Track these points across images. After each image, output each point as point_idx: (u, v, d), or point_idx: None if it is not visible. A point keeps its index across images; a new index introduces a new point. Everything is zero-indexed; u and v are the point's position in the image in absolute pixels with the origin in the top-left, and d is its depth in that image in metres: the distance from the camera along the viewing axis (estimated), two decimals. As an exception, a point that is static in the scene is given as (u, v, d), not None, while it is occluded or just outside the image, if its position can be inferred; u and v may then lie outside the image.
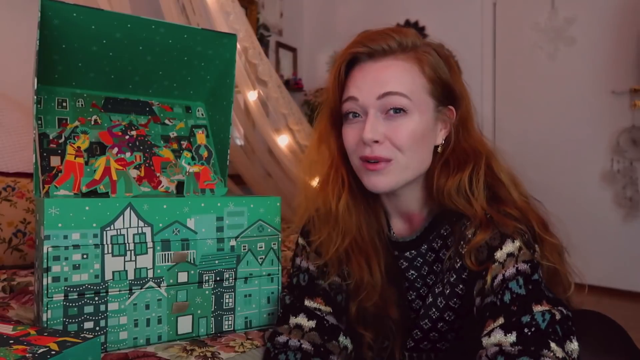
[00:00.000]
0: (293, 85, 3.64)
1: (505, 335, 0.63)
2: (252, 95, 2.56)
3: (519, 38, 3.12)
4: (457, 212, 0.78)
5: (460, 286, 0.77)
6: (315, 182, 0.87)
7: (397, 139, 0.75)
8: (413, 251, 0.85)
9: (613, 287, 2.72)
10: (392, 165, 0.76)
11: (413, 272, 0.86)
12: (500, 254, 0.70)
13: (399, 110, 0.75)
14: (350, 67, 0.80)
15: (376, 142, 0.75)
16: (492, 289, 0.69)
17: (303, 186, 0.90)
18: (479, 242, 0.72)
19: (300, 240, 0.90)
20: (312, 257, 0.86)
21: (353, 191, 0.84)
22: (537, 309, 0.64)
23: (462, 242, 0.75)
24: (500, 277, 0.69)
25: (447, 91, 0.79)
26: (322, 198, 0.84)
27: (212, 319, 0.86)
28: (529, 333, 0.62)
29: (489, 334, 0.65)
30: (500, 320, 0.65)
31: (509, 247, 0.71)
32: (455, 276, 0.78)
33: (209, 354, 0.77)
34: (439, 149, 0.81)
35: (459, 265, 0.77)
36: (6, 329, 0.64)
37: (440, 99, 0.79)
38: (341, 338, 0.80)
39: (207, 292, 0.85)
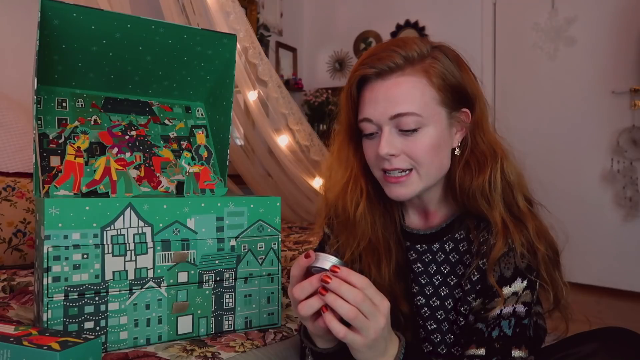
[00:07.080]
0: (293, 85, 3.63)
1: None
2: (252, 95, 2.56)
3: (519, 38, 3.11)
4: (477, 216, 0.81)
5: (473, 295, 0.81)
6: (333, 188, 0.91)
7: (413, 153, 0.77)
8: (424, 245, 0.87)
9: (613, 287, 2.72)
10: (412, 177, 0.79)
11: (419, 265, 0.88)
12: (507, 291, 0.77)
13: (412, 130, 0.77)
14: (361, 85, 0.80)
15: (392, 155, 0.78)
16: (487, 318, 0.76)
17: (324, 191, 0.94)
18: (497, 255, 0.77)
19: (326, 230, 0.94)
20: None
21: (370, 198, 0.87)
22: (516, 353, 0.74)
23: (483, 259, 0.79)
24: (497, 311, 0.76)
25: (458, 95, 0.80)
26: (341, 206, 0.88)
27: (212, 319, 0.86)
28: None
29: (471, 357, 0.75)
30: (482, 352, 0.75)
31: (517, 285, 0.77)
32: (469, 286, 0.81)
33: (209, 354, 0.77)
34: (457, 151, 0.83)
35: (476, 278, 0.80)
36: (8, 329, 0.64)
37: (452, 105, 0.79)
38: None
39: (207, 292, 0.85)
